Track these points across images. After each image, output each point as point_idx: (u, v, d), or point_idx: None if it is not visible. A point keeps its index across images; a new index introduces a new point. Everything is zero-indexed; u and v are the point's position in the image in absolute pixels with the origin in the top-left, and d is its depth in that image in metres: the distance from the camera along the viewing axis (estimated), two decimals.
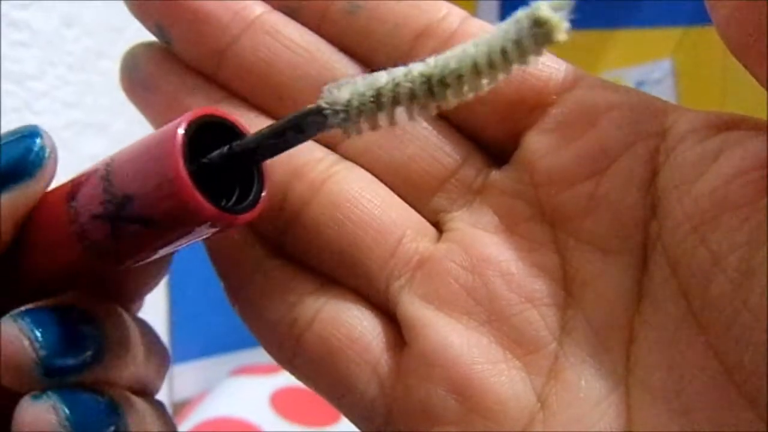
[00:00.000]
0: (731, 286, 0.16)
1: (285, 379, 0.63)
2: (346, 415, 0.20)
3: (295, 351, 0.19)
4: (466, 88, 0.15)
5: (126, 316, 0.20)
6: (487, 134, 0.20)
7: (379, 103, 0.15)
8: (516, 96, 0.19)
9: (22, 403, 0.17)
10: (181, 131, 0.16)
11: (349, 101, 0.15)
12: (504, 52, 0.14)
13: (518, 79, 0.19)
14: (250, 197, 0.18)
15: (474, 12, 0.72)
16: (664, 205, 0.18)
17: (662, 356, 0.17)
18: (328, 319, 0.19)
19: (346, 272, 0.20)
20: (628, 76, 0.69)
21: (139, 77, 0.21)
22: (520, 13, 0.14)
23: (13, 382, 0.17)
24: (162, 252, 0.18)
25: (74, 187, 0.18)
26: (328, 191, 0.20)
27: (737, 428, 0.16)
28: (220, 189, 0.17)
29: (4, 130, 0.48)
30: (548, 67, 0.19)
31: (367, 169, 0.20)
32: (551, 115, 0.19)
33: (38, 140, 0.19)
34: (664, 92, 0.68)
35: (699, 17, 0.64)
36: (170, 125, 0.17)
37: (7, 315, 0.18)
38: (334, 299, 0.19)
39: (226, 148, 0.17)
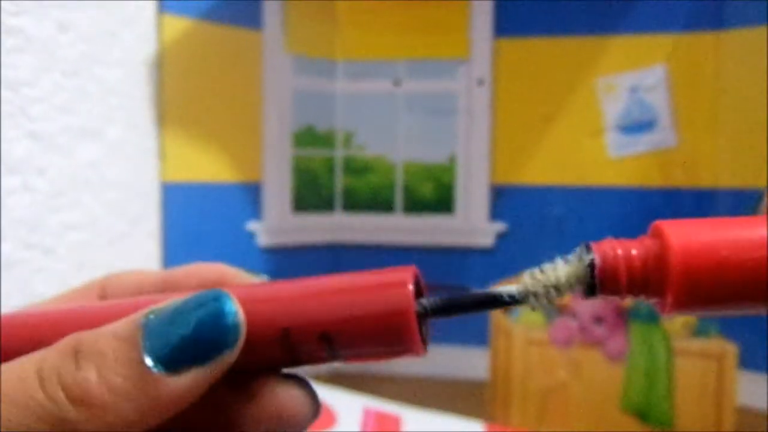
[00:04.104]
0: None
1: None
2: None
3: None
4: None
5: None
6: None
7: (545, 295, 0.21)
8: None
9: (270, 381, 0.20)
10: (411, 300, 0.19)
11: (536, 294, 0.21)
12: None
13: None
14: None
15: (469, 12, 0.73)
16: None
17: None
18: None
19: None
20: (621, 82, 0.69)
21: None
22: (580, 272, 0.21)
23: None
24: None
25: (288, 331, 0.19)
26: None
27: None
28: None
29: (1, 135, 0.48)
30: None
31: None
32: None
33: (231, 305, 0.18)
34: (658, 98, 0.69)
35: (693, 23, 0.64)
36: (394, 297, 0.19)
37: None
38: None
39: (440, 303, 0.20)
